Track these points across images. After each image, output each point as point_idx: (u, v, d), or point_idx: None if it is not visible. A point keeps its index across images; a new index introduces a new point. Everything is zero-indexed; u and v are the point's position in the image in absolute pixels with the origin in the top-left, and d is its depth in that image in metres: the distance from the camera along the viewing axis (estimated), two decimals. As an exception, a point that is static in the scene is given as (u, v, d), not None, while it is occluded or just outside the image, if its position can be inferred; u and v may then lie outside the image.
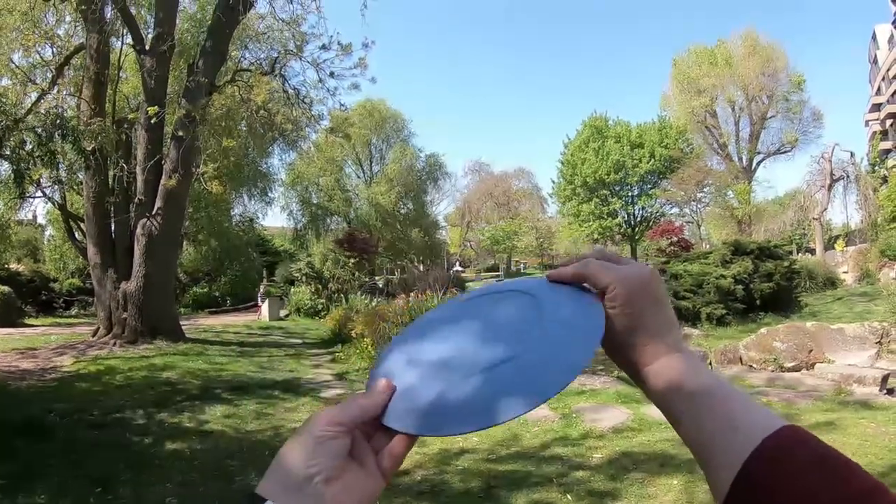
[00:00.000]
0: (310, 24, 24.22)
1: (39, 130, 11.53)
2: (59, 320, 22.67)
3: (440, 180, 54.52)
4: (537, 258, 68.53)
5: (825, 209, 30.96)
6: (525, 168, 64.20)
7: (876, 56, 60.85)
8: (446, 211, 62.11)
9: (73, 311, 25.73)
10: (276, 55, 17.59)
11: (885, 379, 7.99)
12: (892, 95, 53.76)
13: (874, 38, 61.06)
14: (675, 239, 30.50)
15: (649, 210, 51.34)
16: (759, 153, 45.56)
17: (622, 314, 0.66)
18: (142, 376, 10.12)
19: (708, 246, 37.38)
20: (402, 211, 49.01)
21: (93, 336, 14.28)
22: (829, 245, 32.56)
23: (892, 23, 53.25)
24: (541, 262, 66.75)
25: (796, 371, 9.66)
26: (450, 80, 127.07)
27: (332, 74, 16.67)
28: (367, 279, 31.37)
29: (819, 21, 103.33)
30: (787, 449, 0.53)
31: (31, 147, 11.69)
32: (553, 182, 56.80)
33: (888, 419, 6.47)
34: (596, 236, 51.98)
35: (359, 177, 51.75)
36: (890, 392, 7.87)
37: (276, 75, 16.08)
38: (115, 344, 12.85)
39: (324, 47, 16.42)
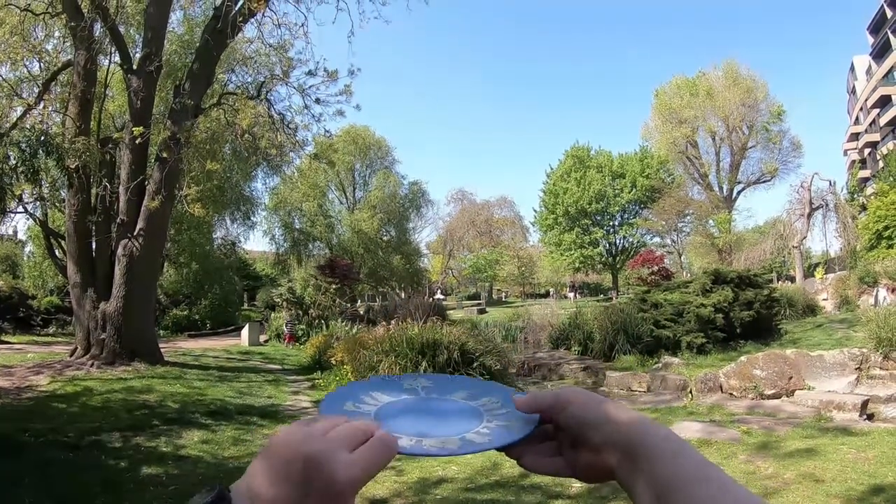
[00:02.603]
0: (297, 50, 24.50)
1: (24, 146, 11.46)
2: (36, 338, 22.23)
3: (423, 208, 54.77)
4: (519, 287, 68.73)
5: (805, 237, 31.42)
6: (507, 197, 64.34)
7: (854, 87, 62.35)
8: (429, 238, 62.26)
9: (51, 329, 25.27)
10: (262, 80, 17.67)
11: (864, 405, 8.07)
12: (870, 125, 55.01)
13: (852, 69, 62.59)
14: (655, 268, 30.83)
15: (630, 239, 51.88)
16: (739, 182, 46.37)
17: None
18: (119, 399, 9.95)
19: (688, 275, 37.67)
20: (385, 238, 49.03)
21: (70, 356, 14.03)
22: (809, 273, 32.94)
23: (870, 54, 54.65)
24: (522, 291, 66.93)
25: (776, 398, 9.71)
26: (434, 108, 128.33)
27: (317, 101, 16.77)
28: (348, 306, 31.22)
29: (799, 52, 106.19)
30: None
31: (14, 162, 11.61)
32: (535, 211, 57.40)
33: (867, 444, 6.51)
34: (577, 265, 52.35)
35: (342, 203, 51.81)
36: (870, 417, 7.94)
37: (261, 100, 16.10)
38: (92, 365, 12.61)
39: (310, 73, 16.54)
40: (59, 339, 22.18)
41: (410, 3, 23.31)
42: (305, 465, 0.56)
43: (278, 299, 30.21)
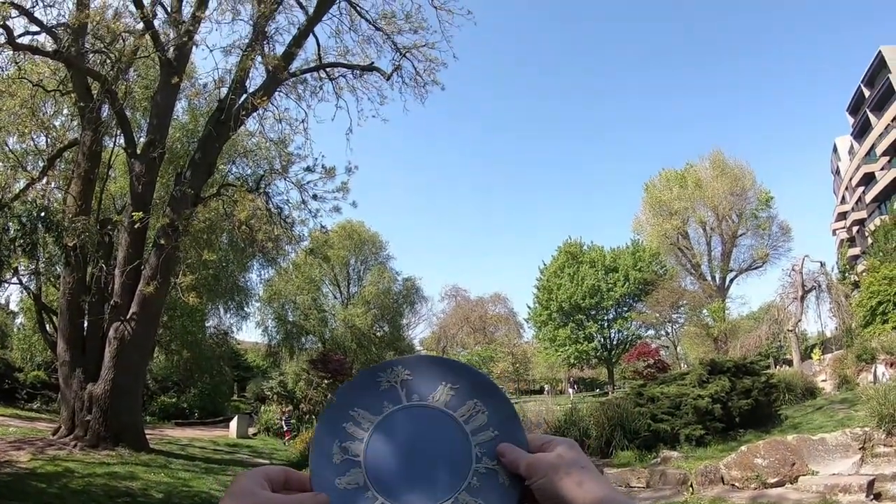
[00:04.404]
0: (296, 145, 25.21)
1: (24, 219, 11.59)
2: (19, 412, 21.52)
3: (417, 304, 54.86)
4: (514, 383, 67.77)
5: (799, 320, 31.24)
6: (501, 294, 64.92)
7: (838, 167, 63.92)
8: (423, 335, 62.00)
9: (36, 404, 24.49)
10: (262, 172, 18.14)
11: (870, 485, 7.85)
12: (857, 203, 55.93)
13: (835, 150, 64.30)
14: (651, 361, 30.61)
15: (625, 333, 51.66)
16: (731, 270, 46.70)
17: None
18: (101, 483, 9.63)
19: (685, 365, 37.44)
20: (378, 333, 48.76)
21: (53, 434, 13.71)
22: (806, 355, 32.63)
23: (851, 134, 56.41)
24: (517, 388, 65.96)
25: (780, 486, 9.43)
26: (426, 206, 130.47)
27: (315, 197, 17.17)
28: (339, 401, 30.57)
29: (783, 138, 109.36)
30: None
31: (13, 234, 11.71)
32: (529, 307, 57.33)
33: (876, 525, 6.31)
34: (572, 360, 51.86)
35: (336, 297, 51.86)
36: (877, 497, 7.71)
37: (260, 192, 16.44)
38: (75, 446, 12.28)
39: (308, 169, 17.03)
40: (43, 415, 21.53)
41: (407, 104, 24.22)
42: None
43: (269, 392, 29.69)
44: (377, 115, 17.54)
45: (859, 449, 9.43)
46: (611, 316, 51.75)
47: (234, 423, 23.65)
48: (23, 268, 15.04)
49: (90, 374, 13.40)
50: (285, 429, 23.57)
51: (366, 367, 0.84)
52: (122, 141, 15.09)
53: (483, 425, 0.82)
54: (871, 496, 7.70)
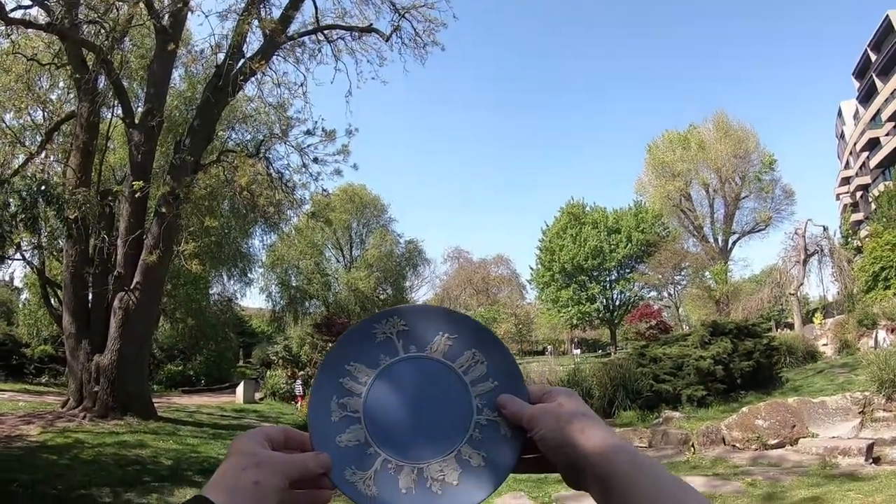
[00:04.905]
0: (296, 109, 25.00)
1: (24, 194, 11.54)
2: (28, 387, 21.86)
3: (419, 266, 54.95)
4: (517, 344, 68.28)
5: (801, 284, 31.34)
6: (504, 255, 64.78)
7: (843, 131, 63.38)
8: (425, 297, 62.09)
9: (44, 378, 24.81)
10: (261, 138, 17.97)
11: (869, 448, 7.95)
12: (861, 168, 55.70)
13: (840, 114, 63.70)
14: (653, 322, 30.77)
15: (627, 294, 51.84)
16: (734, 233, 46.76)
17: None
18: (110, 453, 9.78)
19: (687, 327, 37.57)
20: (382, 296, 48.94)
21: (62, 407, 13.89)
22: (808, 319, 32.79)
23: (857, 98, 55.81)
24: (520, 349, 66.48)
25: (780, 448, 9.57)
26: (428, 166, 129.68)
27: (315, 160, 17.04)
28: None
29: (787, 101, 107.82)
30: None
31: (14, 210, 11.68)
32: (532, 269, 57.38)
33: (875, 489, 6.40)
34: (575, 321, 52.11)
35: (338, 261, 51.96)
36: (876, 461, 7.81)
37: (260, 158, 16.33)
38: (84, 417, 12.44)
39: (308, 132, 16.86)
40: (52, 388, 21.86)
41: (407, 65, 23.85)
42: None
43: (274, 357, 29.96)
44: (377, 76, 17.28)
45: (859, 413, 9.53)
46: (613, 277, 51.83)
47: (240, 389, 23.91)
48: (25, 243, 15.03)
49: (96, 346, 13.50)
50: (300, 393, 23.74)
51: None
52: (119, 111, 14.91)
53: (482, 376, 0.80)
54: (870, 460, 7.80)
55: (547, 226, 55.61)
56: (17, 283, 32.36)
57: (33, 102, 14.77)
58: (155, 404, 14.82)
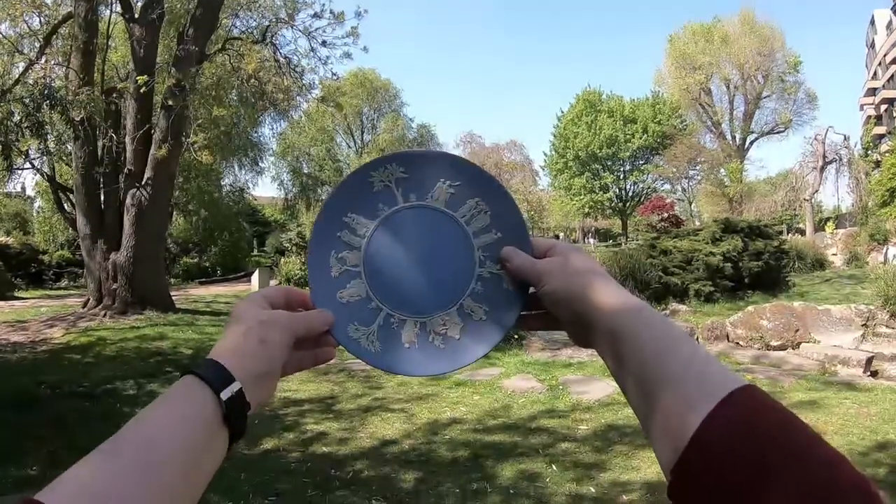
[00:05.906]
0: (302, -9, 23.87)
1: (27, 101, 11.32)
2: (49, 292, 22.45)
3: (432, 150, 54.32)
4: (529, 231, 68.59)
5: (816, 191, 31.09)
6: (517, 141, 63.67)
7: (874, 41, 60.83)
8: (438, 181, 61.97)
9: (63, 282, 25.52)
10: (267, 23, 17.31)
11: (869, 361, 8.11)
12: (888, 80, 53.72)
13: (872, 22, 61.01)
14: (665, 215, 30.60)
15: (641, 185, 51.46)
16: (752, 132, 45.65)
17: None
18: (132, 347, 10.12)
19: (698, 223, 37.52)
20: (393, 180, 48.82)
21: (83, 307, 14.17)
22: (820, 227, 32.69)
23: (892, 8, 53.02)
24: (532, 235, 66.85)
25: (782, 350, 9.76)
26: (441, 49, 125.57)
27: (324, 43, 16.46)
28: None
29: (817, 3, 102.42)
30: (753, 411, 0.49)
31: (19, 118, 11.49)
32: (545, 155, 56.74)
33: (870, 400, 6.57)
34: (587, 210, 52.11)
35: (350, 147, 51.56)
36: (874, 374, 7.98)
37: (267, 44, 15.84)
38: (105, 315, 12.79)
39: (316, 16, 16.20)
40: (72, 291, 22.38)
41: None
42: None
43: (287, 244, 30.34)
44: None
45: (862, 325, 9.64)
46: (627, 167, 51.28)
47: (255, 277, 24.38)
48: (33, 150, 14.87)
49: (112, 244, 13.63)
50: None
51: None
52: (118, 8, 14.28)
53: (486, 226, 0.78)
54: (868, 372, 7.96)
55: (562, 112, 54.47)
56: (30, 192, 32.51)
57: (28, 9, 14.09)
58: (173, 297, 15.13)
